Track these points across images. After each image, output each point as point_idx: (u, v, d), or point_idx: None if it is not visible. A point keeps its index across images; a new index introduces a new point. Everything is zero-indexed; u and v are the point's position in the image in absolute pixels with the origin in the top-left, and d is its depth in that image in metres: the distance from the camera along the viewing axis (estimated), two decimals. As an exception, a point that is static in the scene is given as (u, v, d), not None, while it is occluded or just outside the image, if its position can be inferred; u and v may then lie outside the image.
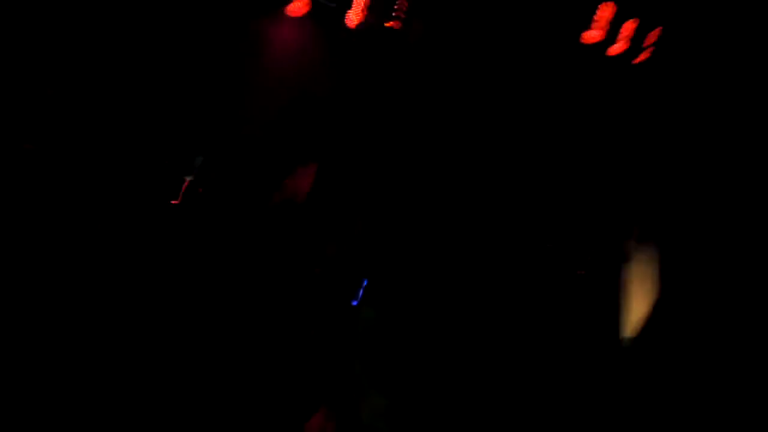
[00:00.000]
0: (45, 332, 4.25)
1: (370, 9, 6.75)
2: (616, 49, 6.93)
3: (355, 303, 5.42)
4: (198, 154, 5.74)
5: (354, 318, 4.97)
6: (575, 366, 5.95)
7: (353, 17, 6.68)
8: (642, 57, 7.04)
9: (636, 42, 6.92)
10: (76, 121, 5.34)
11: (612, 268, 6.44)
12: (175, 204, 5.36)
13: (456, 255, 6.60)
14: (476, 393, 5.27)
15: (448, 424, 4.81)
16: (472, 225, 6.80)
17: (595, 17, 6.75)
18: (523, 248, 6.84)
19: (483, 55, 7.05)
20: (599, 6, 6.74)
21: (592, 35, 6.75)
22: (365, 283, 5.59)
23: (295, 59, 6.55)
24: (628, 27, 6.83)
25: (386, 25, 6.79)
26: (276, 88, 6.45)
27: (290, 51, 6.50)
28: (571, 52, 6.80)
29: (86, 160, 5.16)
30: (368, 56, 7.00)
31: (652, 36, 6.86)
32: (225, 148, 5.93)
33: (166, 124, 5.85)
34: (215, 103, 6.20)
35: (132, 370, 4.22)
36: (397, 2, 6.80)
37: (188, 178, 5.43)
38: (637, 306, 6.13)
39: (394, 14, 6.82)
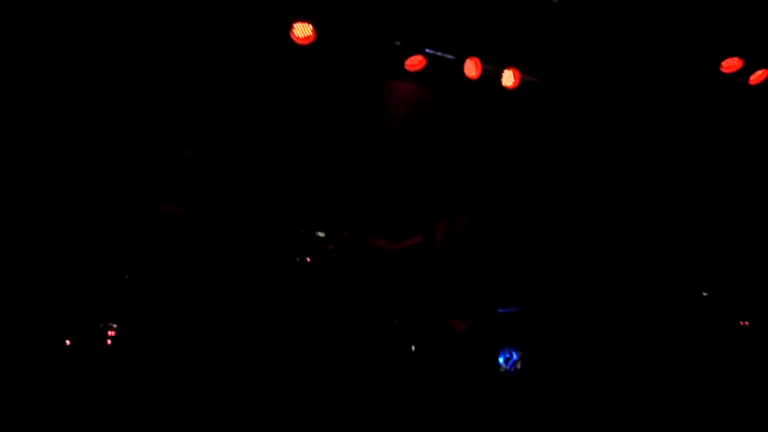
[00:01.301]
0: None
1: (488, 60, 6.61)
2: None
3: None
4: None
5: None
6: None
7: (472, 69, 6.53)
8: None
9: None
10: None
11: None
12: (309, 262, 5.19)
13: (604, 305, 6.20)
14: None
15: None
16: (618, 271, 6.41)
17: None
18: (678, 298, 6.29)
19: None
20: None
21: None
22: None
23: (416, 112, 6.44)
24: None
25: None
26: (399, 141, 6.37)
27: (411, 104, 6.39)
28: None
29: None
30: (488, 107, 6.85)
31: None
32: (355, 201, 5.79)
33: (299, 180, 5.78)
34: (346, 159, 6.10)
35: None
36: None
37: (320, 234, 5.26)
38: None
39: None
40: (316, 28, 5.79)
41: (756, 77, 6.55)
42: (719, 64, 6.39)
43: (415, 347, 5.12)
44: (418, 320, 5.17)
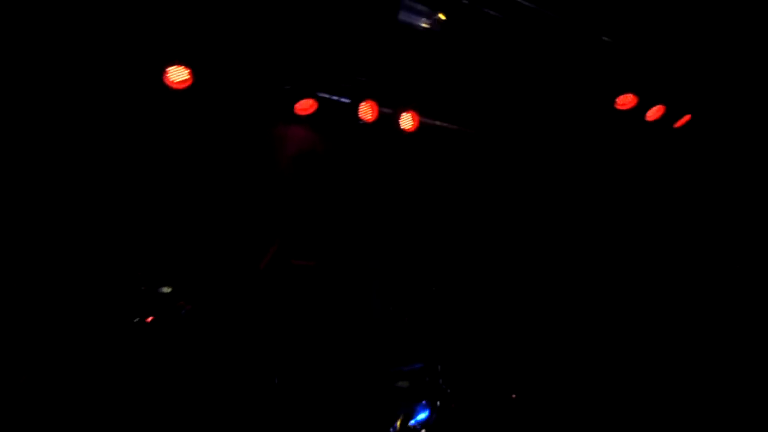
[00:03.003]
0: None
1: (384, 102, 6.34)
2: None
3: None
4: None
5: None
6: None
7: (367, 111, 6.23)
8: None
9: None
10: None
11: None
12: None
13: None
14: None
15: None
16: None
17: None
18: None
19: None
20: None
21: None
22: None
23: (308, 157, 6.05)
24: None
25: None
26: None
27: (303, 149, 6.00)
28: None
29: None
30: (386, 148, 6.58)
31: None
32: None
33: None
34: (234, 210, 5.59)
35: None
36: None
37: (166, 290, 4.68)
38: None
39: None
40: (194, 72, 5.36)
41: (653, 113, 6.53)
42: (614, 101, 6.35)
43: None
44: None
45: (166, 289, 4.54)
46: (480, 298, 6.58)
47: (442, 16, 5.24)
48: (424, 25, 5.35)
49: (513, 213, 7.20)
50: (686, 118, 6.61)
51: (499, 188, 7.26)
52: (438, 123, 6.79)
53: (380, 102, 6.28)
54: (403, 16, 5.24)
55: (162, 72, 5.23)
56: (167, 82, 5.26)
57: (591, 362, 6.23)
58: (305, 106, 5.99)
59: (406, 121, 6.45)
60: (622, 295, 6.67)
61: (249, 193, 5.73)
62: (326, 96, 6.09)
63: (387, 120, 6.37)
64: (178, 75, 5.28)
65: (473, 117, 7.02)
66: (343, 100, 6.18)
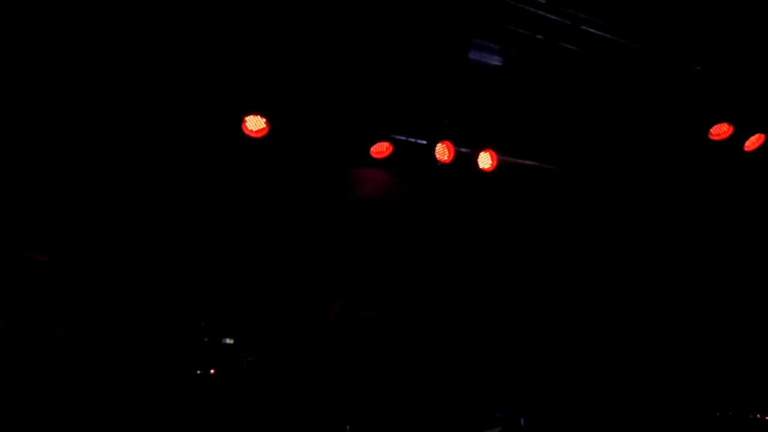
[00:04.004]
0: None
1: (460, 142, 6.24)
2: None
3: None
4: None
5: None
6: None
7: (444, 152, 6.15)
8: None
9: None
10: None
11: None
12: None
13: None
14: None
15: None
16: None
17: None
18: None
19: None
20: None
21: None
22: None
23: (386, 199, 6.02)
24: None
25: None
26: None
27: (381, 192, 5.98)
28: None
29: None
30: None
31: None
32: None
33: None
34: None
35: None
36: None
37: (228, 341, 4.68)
38: None
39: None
40: (270, 121, 5.48)
41: (751, 143, 6.08)
42: (708, 132, 5.95)
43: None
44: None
45: (229, 341, 4.57)
46: (565, 347, 6.23)
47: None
48: (495, 63, 5.26)
49: (604, 255, 6.81)
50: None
51: (588, 227, 6.92)
52: (518, 161, 6.60)
53: (457, 142, 6.18)
54: (474, 55, 5.16)
55: (240, 121, 5.39)
56: (245, 131, 5.41)
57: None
58: (381, 149, 5.99)
59: (485, 160, 6.32)
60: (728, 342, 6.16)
61: (322, 239, 5.73)
62: (402, 138, 6.06)
63: (464, 160, 6.26)
64: (255, 124, 5.43)
65: (556, 153, 6.78)
66: (419, 141, 6.13)
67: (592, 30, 5.14)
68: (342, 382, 4.57)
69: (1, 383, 3.56)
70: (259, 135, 5.45)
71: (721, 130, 5.97)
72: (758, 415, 5.36)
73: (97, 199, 4.97)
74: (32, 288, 3.85)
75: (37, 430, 3.59)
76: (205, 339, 4.49)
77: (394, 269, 5.62)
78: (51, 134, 4.93)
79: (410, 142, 6.12)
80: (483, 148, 6.29)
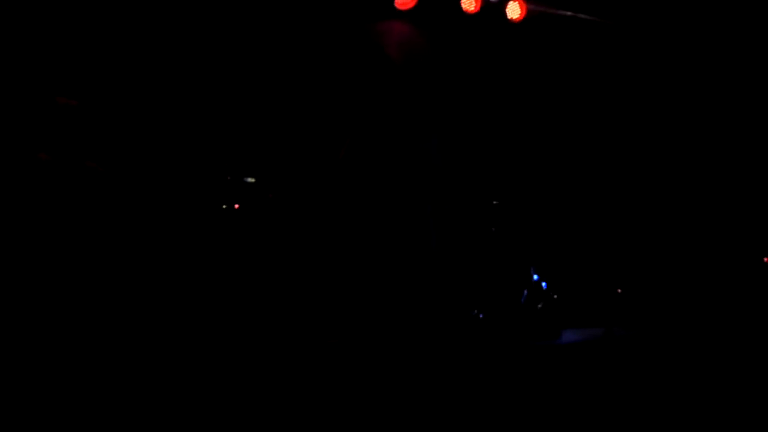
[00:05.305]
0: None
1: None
2: None
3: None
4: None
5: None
6: None
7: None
8: None
9: None
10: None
11: None
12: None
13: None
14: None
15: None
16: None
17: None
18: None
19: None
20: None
21: None
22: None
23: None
24: None
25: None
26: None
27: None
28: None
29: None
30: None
31: None
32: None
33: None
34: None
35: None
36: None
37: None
38: None
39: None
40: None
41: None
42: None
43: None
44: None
45: (251, 179, 4.88)
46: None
47: None
48: None
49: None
50: None
51: (633, 90, 6.40)
52: (550, 10, 6.39)
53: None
54: None
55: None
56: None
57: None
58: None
59: (513, 9, 6.18)
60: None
61: (340, 86, 5.84)
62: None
63: (492, 9, 6.15)
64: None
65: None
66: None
67: None
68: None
69: (45, 210, 4.04)
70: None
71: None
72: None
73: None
74: (66, 128, 4.26)
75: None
76: (228, 177, 4.82)
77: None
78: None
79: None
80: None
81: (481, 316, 5.29)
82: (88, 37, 4.90)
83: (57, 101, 4.37)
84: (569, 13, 6.46)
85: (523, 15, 6.19)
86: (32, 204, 4.05)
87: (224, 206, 4.72)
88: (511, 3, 6.15)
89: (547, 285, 5.57)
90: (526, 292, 5.44)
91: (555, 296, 5.48)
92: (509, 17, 6.18)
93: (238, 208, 4.74)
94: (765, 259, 5.85)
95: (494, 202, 5.78)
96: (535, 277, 5.59)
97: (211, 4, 5.51)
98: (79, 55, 4.83)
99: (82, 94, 4.58)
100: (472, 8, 6.08)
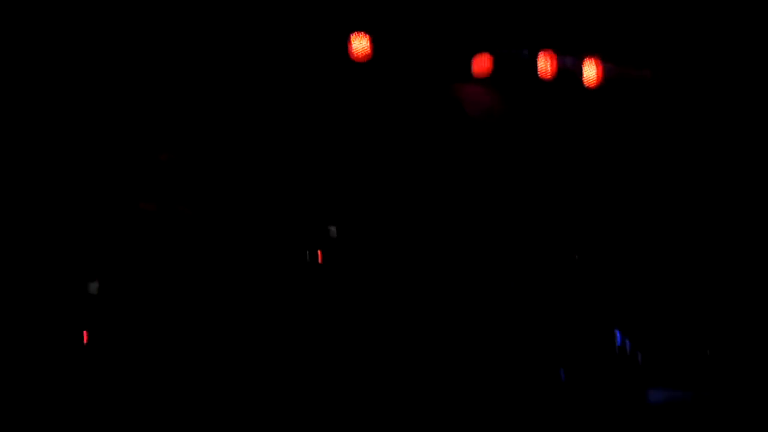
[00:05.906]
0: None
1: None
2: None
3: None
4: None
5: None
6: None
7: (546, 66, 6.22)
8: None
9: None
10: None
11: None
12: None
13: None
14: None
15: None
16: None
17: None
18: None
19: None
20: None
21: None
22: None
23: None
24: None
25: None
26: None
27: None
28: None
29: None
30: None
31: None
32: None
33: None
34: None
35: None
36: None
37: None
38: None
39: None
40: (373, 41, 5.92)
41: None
42: None
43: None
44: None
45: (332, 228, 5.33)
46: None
47: None
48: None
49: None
50: None
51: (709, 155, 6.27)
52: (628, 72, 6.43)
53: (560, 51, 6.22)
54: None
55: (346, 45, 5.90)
56: (350, 53, 5.92)
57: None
58: (482, 64, 6.21)
59: (590, 70, 6.28)
60: None
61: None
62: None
63: (568, 75, 6.29)
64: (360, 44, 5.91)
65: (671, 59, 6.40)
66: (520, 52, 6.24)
67: None
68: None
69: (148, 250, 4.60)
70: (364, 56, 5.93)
71: None
72: None
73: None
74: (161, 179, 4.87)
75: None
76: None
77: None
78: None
79: (511, 53, 6.25)
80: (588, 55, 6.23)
81: (563, 376, 5.18)
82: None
83: (160, 158, 5.02)
84: (647, 74, 6.46)
85: (600, 79, 6.27)
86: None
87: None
88: (587, 66, 6.25)
89: (631, 345, 5.41)
90: (612, 349, 5.32)
91: (639, 356, 5.30)
92: (586, 84, 6.28)
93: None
94: None
95: (576, 257, 5.74)
96: (619, 335, 5.45)
97: (301, 78, 6.02)
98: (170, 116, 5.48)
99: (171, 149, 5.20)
100: (548, 75, 6.24)
